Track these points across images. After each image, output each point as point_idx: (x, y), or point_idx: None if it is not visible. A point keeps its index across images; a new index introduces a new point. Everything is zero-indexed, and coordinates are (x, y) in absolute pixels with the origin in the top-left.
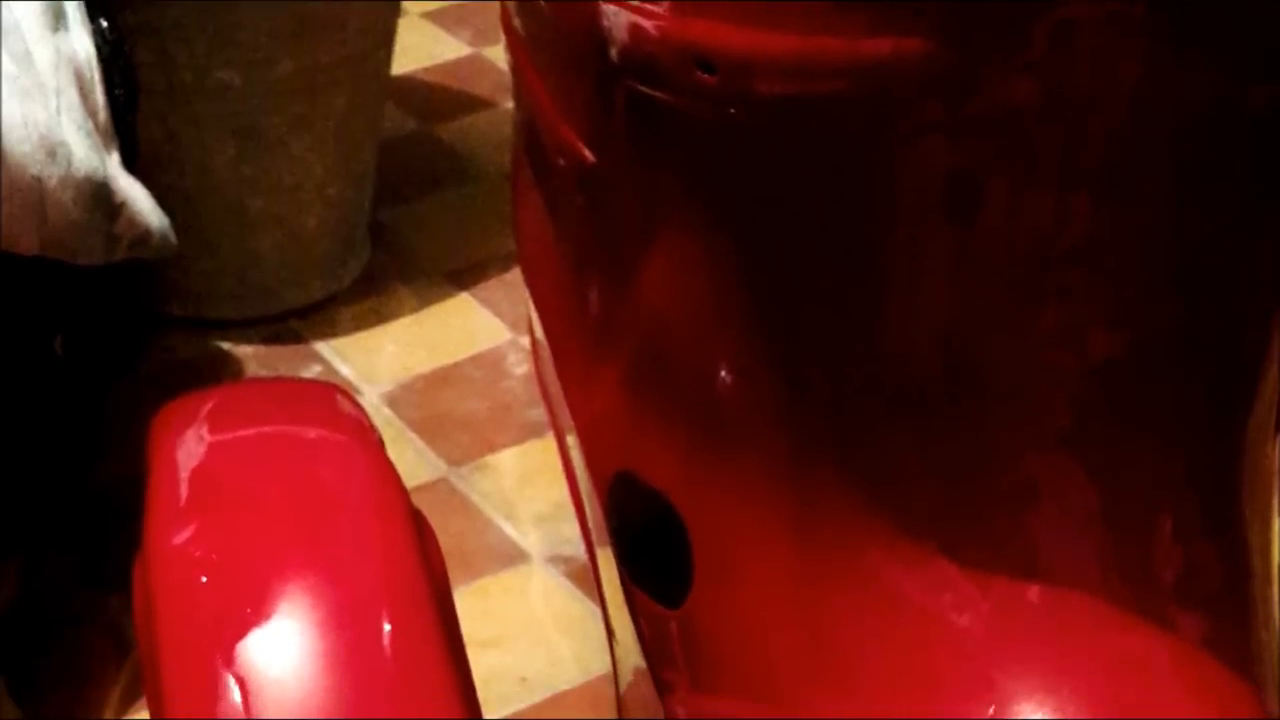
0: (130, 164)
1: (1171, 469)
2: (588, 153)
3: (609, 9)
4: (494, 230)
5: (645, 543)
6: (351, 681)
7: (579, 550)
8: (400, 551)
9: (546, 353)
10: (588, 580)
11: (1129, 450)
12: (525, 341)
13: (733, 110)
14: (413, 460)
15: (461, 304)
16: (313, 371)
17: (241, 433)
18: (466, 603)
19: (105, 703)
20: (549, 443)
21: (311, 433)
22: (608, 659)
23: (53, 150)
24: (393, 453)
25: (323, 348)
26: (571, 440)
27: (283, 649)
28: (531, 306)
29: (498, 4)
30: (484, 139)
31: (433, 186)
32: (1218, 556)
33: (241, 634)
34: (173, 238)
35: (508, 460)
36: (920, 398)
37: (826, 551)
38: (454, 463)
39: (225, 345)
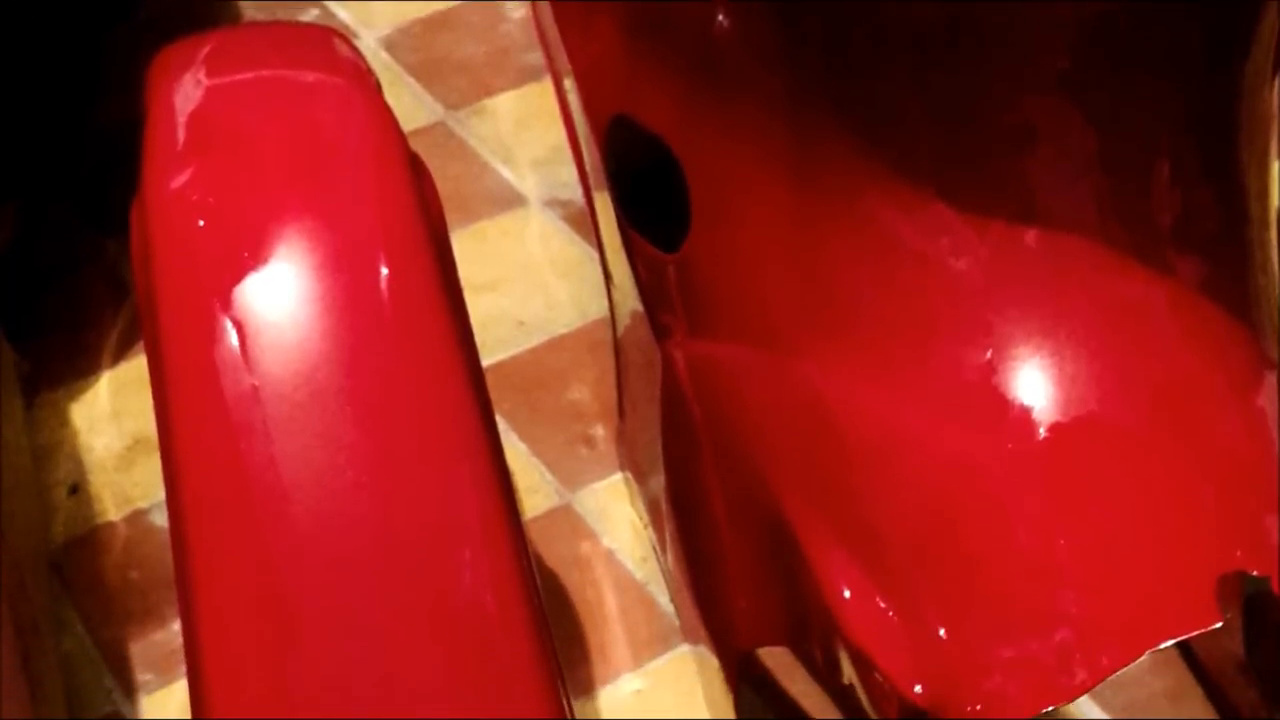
0: None
1: (1169, 112)
2: None
3: None
4: None
5: (643, 186)
6: (348, 324)
7: (576, 194)
8: (397, 195)
9: None
10: (585, 224)
11: (1126, 93)
12: None
13: None
14: (410, 104)
15: None
16: (310, 15)
17: (239, 76)
18: (464, 246)
19: (103, 347)
20: (546, 86)
21: (309, 76)
22: (605, 302)
23: None
24: (390, 96)
25: None
26: (569, 84)
27: (280, 292)
28: None
29: None
30: None
31: None
32: (1215, 200)
33: (239, 278)
34: None
35: (505, 104)
36: (918, 38)
37: (824, 195)
38: (451, 106)
39: None
